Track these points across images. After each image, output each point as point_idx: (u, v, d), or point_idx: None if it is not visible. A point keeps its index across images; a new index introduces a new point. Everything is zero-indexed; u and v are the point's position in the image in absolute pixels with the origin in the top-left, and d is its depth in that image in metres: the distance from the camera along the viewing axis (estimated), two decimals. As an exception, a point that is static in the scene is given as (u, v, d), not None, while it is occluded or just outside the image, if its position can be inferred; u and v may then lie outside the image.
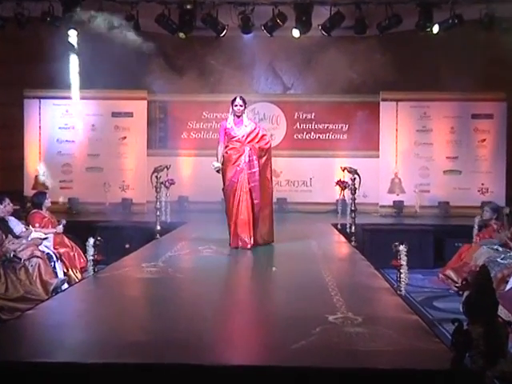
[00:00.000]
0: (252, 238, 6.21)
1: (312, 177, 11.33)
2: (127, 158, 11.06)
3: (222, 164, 6.39)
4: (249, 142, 6.42)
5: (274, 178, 7.10)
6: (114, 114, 11.06)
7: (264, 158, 6.45)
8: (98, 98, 10.97)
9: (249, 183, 6.28)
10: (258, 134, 6.53)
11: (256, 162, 6.32)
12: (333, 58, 10.52)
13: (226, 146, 6.49)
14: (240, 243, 6.18)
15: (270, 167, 6.63)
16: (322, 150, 11.37)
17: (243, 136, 6.42)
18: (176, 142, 11.44)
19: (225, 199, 6.46)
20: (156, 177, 8.22)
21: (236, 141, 6.41)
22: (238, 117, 6.43)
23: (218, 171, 6.40)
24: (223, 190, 6.41)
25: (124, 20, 9.10)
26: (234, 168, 6.26)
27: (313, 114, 11.48)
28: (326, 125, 11.47)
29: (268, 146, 6.59)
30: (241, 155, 6.34)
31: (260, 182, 6.33)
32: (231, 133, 6.42)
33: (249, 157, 6.27)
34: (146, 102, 11.06)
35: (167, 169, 8.60)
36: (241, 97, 6.48)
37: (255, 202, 6.27)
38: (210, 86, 11.23)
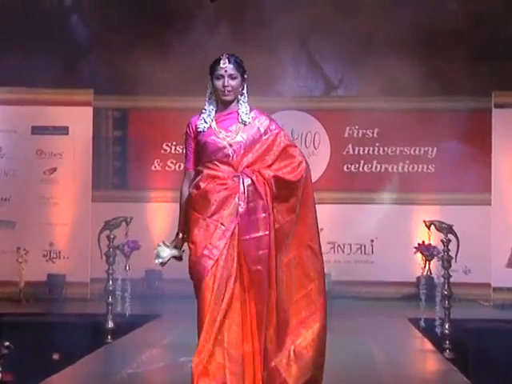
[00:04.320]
0: None
1: (375, 238, 11.15)
2: (58, 205, 10.91)
3: (187, 225, 5.13)
4: (250, 165, 5.14)
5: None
6: (36, 130, 10.85)
7: (291, 205, 5.02)
8: (8, 103, 10.89)
9: (248, 264, 4.91)
10: (273, 143, 5.18)
11: (265, 216, 5.00)
12: (411, 40, 10.60)
13: (198, 173, 5.17)
14: None
15: (313, 224, 5.20)
16: (391, 191, 11.10)
17: (237, 148, 5.12)
18: (142, 176, 11.36)
19: (196, 295, 5.22)
20: (108, 238, 8.23)
21: (219, 160, 5.10)
22: (227, 104, 5.31)
23: (162, 264, 5.15)
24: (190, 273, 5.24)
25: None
26: (209, 228, 4.98)
27: (376, 131, 11.24)
28: (399, 148, 11.23)
29: (300, 175, 5.13)
30: (229, 197, 5.10)
31: (282, 260, 5.08)
32: (208, 142, 5.15)
33: (248, 202, 5.05)
34: (90, 108, 10.82)
35: (127, 224, 8.55)
36: (230, 56, 5.29)
37: (261, 307, 4.97)
38: (200, 83, 10.49)
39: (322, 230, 10.64)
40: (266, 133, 5.21)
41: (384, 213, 10.98)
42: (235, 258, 4.99)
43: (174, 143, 11.25)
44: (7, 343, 4.98)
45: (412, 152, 11.21)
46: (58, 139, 10.80)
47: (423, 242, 8.65)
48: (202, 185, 5.10)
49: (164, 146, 11.36)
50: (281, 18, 10.80)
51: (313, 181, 11.05)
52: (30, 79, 9.95)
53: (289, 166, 5.14)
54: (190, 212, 5.21)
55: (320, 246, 5.32)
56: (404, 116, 11.04)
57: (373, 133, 11.23)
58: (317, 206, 9.73)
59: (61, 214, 10.84)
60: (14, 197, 10.81)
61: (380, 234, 11.04)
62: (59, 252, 10.76)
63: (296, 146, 5.32)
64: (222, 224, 5.00)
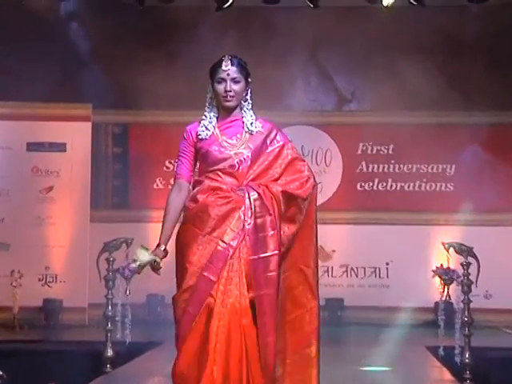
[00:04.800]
0: None
1: (390, 260, 11.06)
2: (54, 226, 10.86)
3: (177, 241, 4.84)
4: (255, 178, 5.01)
5: (319, 264, 5.67)
6: (32, 147, 10.81)
7: (296, 222, 4.93)
8: (1, 118, 10.91)
9: (255, 288, 4.85)
10: (280, 155, 5.02)
11: (273, 233, 4.83)
12: (429, 47, 10.64)
13: (198, 183, 4.95)
14: None
15: (309, 245, 5.06)
16: (407, 211, 11.09)
17: (243, 158, 4.94)
18: (144, 195, 11.23)
19: (175, 327, 4.97)
20: (107, 260, 8.11)
21: (223, 171, 4.93)
22: (229, 111, 5.14)
23: (139, 266, 4.90)
24: (174, 301, 4.92)
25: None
26: (209, 246, 4.81)
27: (391, 147, 11.23)
28: (416, 165, 11.17)
29: (308, 191, 5.03)
30: (232, 211, 4.94)
31: (284, 284, 4.93)
32: (211, 151, 5.03)
33: (255, 217, 4.87)
34: (89, 124, 10.82)
35: (127, 245, 8.34)
36: (233, 58, 5.06)
37: (269, 339, 4.74)
38: (205, 96, 10.54)
39: (334, 252, 11.44)
40: (272, 144, 5.06)
41: (400, 234, 10.93)
42: (239, 281, 4.78)
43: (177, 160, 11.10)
44: (0, 372, 5.05)
45: (429, 169, 11.14)
46: (54, 156, 10.74)
47: (441, 265, 8.43)
48: (202, 197, 4.92)
49: (167, 163, 11.28)
50: (289, 28, 10.77)
51: (324, 200, 10.94)
52: (25, 93, 9.92)
53: (297, 180, 5.02)
54: (186, 227, 4.95)
55: (315, 272, 5.13)
56: (421, 131, 10.90)
57: (388, 149, 11.19)
58: (328, 226, 9.68)
59: (57, 236, 10.80)
60: (8, 217, 10.79)
61: (396, 257, 10.92)
62: (56, 276, 10.70)
63: (304, 160, 5.20)
64: (223, 241, 4.79)
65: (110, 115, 11.04)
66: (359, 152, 11.19)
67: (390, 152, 11.18)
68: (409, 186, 11.17)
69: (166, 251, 4.93)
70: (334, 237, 10.63)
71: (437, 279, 8.53)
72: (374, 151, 11.20)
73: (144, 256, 4.99)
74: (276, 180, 4.97)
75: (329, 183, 10.94)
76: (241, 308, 4.75)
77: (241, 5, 9.93)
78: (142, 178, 11.33)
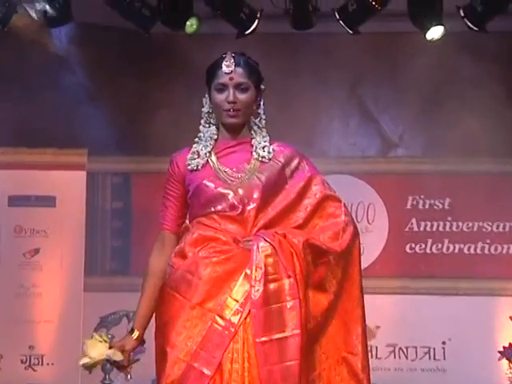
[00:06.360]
0: None
1: (447, 339, 10.62)
2: (40, 297, 10.50)
3: (157, 314, 4.42)
4: (270, 225, 4.39)
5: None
6: (14, 201, 10.61)
7: (328, 289, 4.45)
8: None
9: None
10: (305, 193, 4.54)
11: (294, 304, 4.27)
12: (492, 82, 10.50)
13: (186, 231, 4.50)
14: None
15: (356, 321, 4.62)
16: (467, 278, 10.77)
17: (250, 196, 4.46)
18: (148, 259, 10.52)
19: None
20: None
21: (221, 214, 4.48)
22: (233, 130, 4.63)
23: (86, 366, 4.42)
24: None
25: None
26: (200, 323, 4.31)
27: (447, 202, 10.88)
28: (477, 223, 10.83)
29: (346, 243, 4.52)
30: (233, 273, 4.36)
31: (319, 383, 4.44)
32: (204, 184, 4.53)
33: (266, 281, 4.28)
34: (84, 173, 10.63)
35: (128, 320, 8.95)
36: (238, 56, 4.68)
37: None
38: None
39: (378, 328, 11.05)
40: (293, 176, 4.46)
41: (459, 306, 10.55)
42: (244, 376, 4.26)
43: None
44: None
45: (494, 228, 10.80)
46: (41, 212, 10.51)
47: (510, 344, 8.93)
48: (191, 251, 4.34)
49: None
50: (324, 58, 10.84)
51: (366, 264, 10.66)
52: (6, 136, 9.84)
53: (329, 229, 4.46)
54: (169, 295, 4.42)
55: (365, 362, 4.69)
56: (483, 181, 10.71)
57: (443, 203, 10.87)
58: (372, 297, 9.28)
59: (44, 308, 10.42)
60: (-14, 285, 10.76)
61: (454, 334, 10.54)
62: (42, 357, 10.35)
63: (339, 200, 4.59)
64: (220, 317, 4.21)
65: (109, 163, 10.82)
66: (408, 207, 10.89)
67: (446, 207, 10.85)
68: (469, 248, 10.82)
69: (139, 339, 4.46)
70: (378, 310, 10.07)
71: (504, 362, 9.11)
72: (427, 206, 10.88)
73: (95, 350, 4.42)
74: (299, 228, 4.41)
75: (372, 244, 10.60)
76: None
77: (265, 31, 9.85)
78: (145, 238, 10.31)
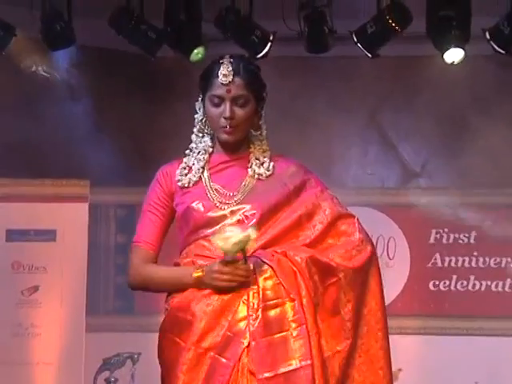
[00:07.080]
0: None
1: (475, 383, 10.72)
2: (40, 337, 10.39)
3: (159, 360, 4.31)
4: (271, 245, 4.25)
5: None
6: (12, 235, 10.58)
7: (340, 317, 4.22)
8: None
9: None
10: (313, 213, 4.36)
11: (301, 331, 4.15)
12: None
13: (178, 259, 4.46)
14: None
15: (380, 358, 4.42)
16: (495, 318, 10.66)
17: (245, 217, 4.28)
18: (153, 298, 10.70)
19: None
20: (107, 381, 8.99)
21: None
22: (230, 145, 4.46)
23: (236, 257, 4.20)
24: None
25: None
26: (199, 364, 4.17)
27: (473, 235, 10.75)
28: (505, 259, 10.74)
29: (361, 261, 4.34)
30: (230, 304, 4.16)
31: None
32: (191, 208, 4.39)
33: (264, 309, 4.13)
34: (86, 205, 10.60)
35: (133, 362, 9.17)
36: (236, 60, 4.42)
37: None
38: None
39: (400, 371, 10.95)
40: (297, 194, 4.25)
41: (489, 348, 10.37)
42: None
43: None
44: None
45: (524, 265, 10.96)
46: (41, 247, 10.34)
47: None
48: (184, 295, 4.18)
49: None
50: (341, 83, 10.95)
51: (387, 302, 10.34)
52: (3, 167, 9.88)
53: (341, 247, 4.25)
54: (166, 338, 4.29)
55: None
56: (511, 214, 10.79)
57: (468, 237, 10.74)
58: (393, 337, 9.36)
59: (43, 350, 10.24)
60: (-19, 325, 10.72)
61: (483, 378, 10.40)
62: (39, 403, 10.68)
63: (352, 215, 4.37)
64: (219, 355, 4.03)
65: (112, 194, 10.81)
66: (432, 241, 10.79)
67: (472, 241, 10.73)
68: (497, 286, 10.69)
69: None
70: (399, 351, 9.89)
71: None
72: (451, 240, 10.78)
73: (238, 233, 4.05)
74: (307, 247, 4.24)
75: (393, 281, 10.37)
76: None
77: (278, 54, 9.99)
78: (152, 275, 11.06)
